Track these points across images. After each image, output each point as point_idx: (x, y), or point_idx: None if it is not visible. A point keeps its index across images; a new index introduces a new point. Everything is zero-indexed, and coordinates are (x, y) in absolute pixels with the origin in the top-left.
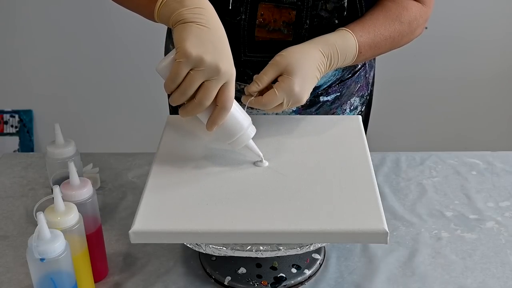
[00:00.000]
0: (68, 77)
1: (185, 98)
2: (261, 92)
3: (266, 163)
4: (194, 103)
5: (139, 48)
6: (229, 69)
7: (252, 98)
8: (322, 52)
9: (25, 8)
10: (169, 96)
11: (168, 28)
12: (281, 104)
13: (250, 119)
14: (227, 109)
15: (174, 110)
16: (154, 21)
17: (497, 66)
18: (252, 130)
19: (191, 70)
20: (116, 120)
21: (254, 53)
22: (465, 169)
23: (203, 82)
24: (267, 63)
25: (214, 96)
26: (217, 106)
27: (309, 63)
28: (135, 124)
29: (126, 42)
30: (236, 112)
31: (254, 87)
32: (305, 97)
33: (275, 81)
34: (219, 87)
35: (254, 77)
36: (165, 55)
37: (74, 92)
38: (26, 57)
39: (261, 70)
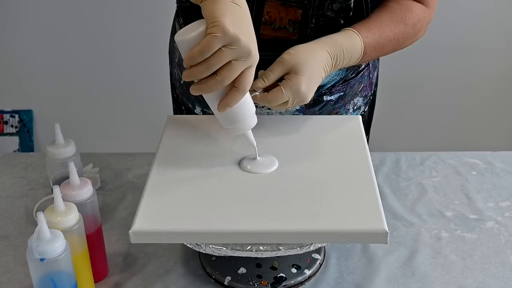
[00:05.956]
0: (68, 77)
1: (208, 73)
2: (266, 89)
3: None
4: (215, 80)
5: (139, 48)
6: (256, 53)
7: (257, 94)
8: (329, 53)
9: (25, 8)
10: (180, 71)
11: (172, 26)
12: (286, 102)
13: (255, 108)
14: (244, 93)
15: (178, 110)
16: None
17: (497, 67)
18: (255, 120)
19: (223, 46)
20: (116, 120)
21: (258, 51)
22: (465, 169)
23: (230, 61)
24: (271, 61)
25: (235, 77)
26: (235, 88)
27: (316, 63)
28: (135, 124)
29: (126, 42)
30: (248, 98)
31: (260, 84)
32: (310, 96)
33: (280, 78)
34: (243, 69)
35: (260, 73)
36: (169, 55)
37: (74, 92)
38: (26, 57)
39: (264, 68)
